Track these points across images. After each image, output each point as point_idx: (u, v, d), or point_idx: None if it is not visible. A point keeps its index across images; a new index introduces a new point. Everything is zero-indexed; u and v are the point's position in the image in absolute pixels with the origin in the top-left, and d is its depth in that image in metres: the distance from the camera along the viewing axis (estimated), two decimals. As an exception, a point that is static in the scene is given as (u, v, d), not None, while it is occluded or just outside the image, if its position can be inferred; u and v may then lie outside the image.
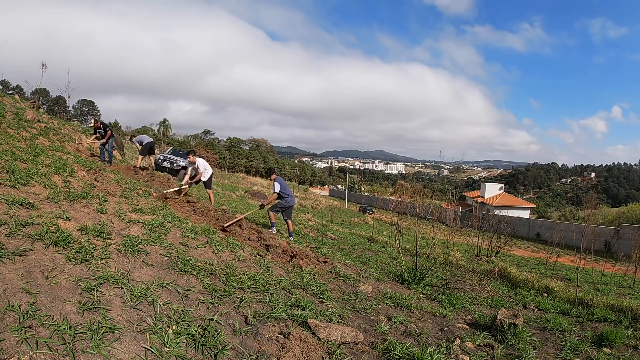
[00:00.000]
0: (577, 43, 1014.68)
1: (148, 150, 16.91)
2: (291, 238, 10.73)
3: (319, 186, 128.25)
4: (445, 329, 5.08)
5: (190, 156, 12.51)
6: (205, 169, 12.50)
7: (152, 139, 17.40)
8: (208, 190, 12.84)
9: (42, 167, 7.06)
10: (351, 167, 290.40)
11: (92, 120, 16.78)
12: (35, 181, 5.86)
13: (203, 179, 12.49)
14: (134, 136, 19.05)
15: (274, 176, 11.00)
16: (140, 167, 15.71)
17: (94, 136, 15.80)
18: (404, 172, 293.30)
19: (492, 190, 64.52)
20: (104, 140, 15.01)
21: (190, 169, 12.50)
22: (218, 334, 3.11)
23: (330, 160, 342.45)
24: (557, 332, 5.48)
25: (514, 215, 40.47)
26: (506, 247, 18.14)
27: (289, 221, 10.94)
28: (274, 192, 10.74)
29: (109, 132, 15.15)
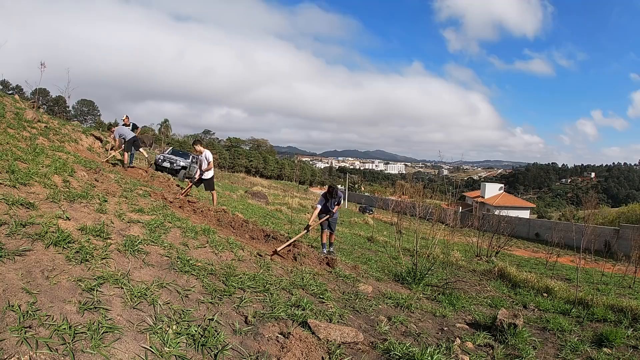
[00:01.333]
0: (554, 64, 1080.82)
1: (132, 145, 15.00)
2: (325, 250, 9.63)
3: (319, 186, 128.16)
4: (445, 329, 5.08)
5: (197, 146, 11.92)
6: (210, 163, 11.91)
7: (134, 134, 15.33)
8: (212, 191, 12.15)
9: (42, 167, 7.05)
10: (351, 167, 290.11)
11: (125, 117, 15.98)
12: (35, 181, 5.86)
13: (206, 176, 11.92)
14: (114, 127, 16.37)
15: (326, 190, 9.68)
16: (125, 164, 14.36)
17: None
18: (404, 172, 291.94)
19: (492, 190, 64.56)
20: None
21: (197, 162, 11.94)
22: (218, 334, 3.11)
23: (330, 160, 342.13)
24: (557, 332, 5.49)
25: (514, 215, 40.49)
26: (506, 247, 18.17)
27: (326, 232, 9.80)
28: (314, 208, 9.46)
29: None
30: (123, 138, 14.41)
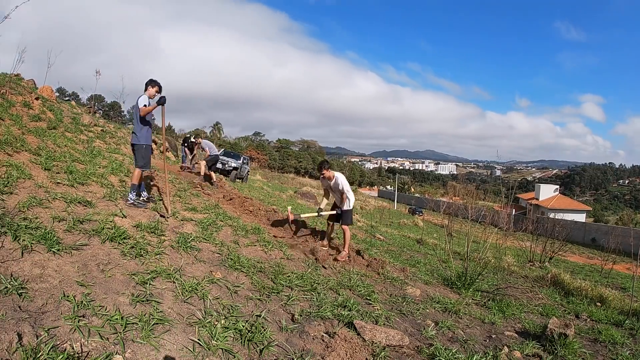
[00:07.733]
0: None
1: (213, 163, 13.70)
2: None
3: (367, 187, 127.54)
4: (494, 336, 4.94)
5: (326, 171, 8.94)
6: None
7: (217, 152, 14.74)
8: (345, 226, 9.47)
9: (99, 168, 7.36)
10: (401, 167, 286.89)
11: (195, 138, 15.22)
12: (93, 181, 6.13)
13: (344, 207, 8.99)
14: (198, 137, 15.61)
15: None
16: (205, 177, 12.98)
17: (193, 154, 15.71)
18: (455, 172, 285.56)
19: (547, 192, 62.05)
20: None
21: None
22: (265, 330, 3.16)
23: (379, 161, 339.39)
24: (609, 345, 5.23)
25: (569, 219, 39.00)
26: (560, 253, 17.52)
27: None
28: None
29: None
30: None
